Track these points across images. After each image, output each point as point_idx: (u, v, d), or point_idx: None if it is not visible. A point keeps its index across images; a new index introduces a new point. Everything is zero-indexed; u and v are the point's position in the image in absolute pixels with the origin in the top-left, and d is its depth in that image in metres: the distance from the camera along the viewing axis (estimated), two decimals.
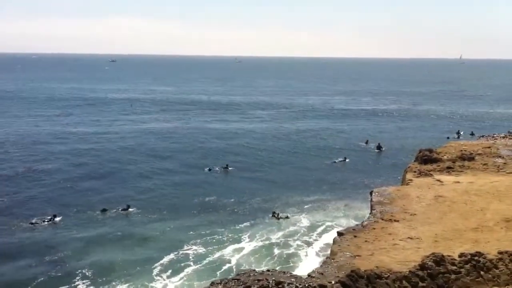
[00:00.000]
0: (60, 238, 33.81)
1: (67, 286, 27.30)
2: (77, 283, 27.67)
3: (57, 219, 36.62)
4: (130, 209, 39.55)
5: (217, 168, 53.03)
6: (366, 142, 68.24)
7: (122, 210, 39.36)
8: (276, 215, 38.45)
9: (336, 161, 58.22)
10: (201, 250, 32.13)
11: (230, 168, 52.90)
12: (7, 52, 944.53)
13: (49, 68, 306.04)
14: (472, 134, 71.85)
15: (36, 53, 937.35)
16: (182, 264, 30.07)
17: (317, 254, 31.71)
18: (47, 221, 36.20)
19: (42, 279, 28.14)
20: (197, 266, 29.82)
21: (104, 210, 39.09)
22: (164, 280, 28.18)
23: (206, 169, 53.06)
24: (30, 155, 57.94)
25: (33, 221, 36.24)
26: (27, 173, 50.09)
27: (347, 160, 58.06)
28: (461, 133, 74.18)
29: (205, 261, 30.53)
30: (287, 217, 38.16)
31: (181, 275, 28.79)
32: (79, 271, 28.90)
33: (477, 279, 16.05)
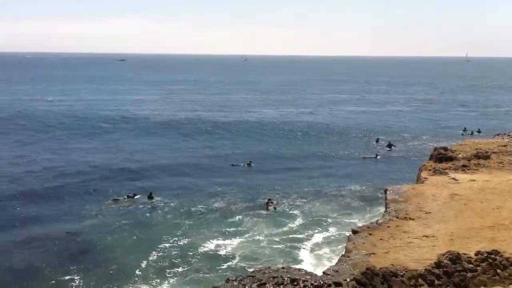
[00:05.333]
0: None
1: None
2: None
3: (136, 197, 41.59)
4: (154, 198, 41.31)
5: (240, 164, 53.82)
6: (377, 141, 67.81)
7: (148, 198, 41.45)
8: (272, 203, 38.69)
9: (366, 156, 58.45)
10: (200, 242, 32.21)
11: (253, 165, 53.67)
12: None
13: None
14: (479, 131, 71.22)
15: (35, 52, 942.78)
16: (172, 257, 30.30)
17: (320, 250, 31.41)
18: (127, 198, 41.52)
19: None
20: (194, 260, 29.81)
21: (130, 197, 41.79)
22: (171, 274, 28.16)
23: (230, 164, 54.17)
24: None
25: (116, 197, 41.65)
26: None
27: (378, 157, 58.12)
28: (468, 131, 73.33)
29: (204, 254, 30.65)
30: (275, 208, 38.29)
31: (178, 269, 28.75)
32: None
33: (493, 277, 15.92)
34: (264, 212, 37.78)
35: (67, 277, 27.52)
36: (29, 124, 79.12)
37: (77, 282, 26.98)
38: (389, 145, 64.21)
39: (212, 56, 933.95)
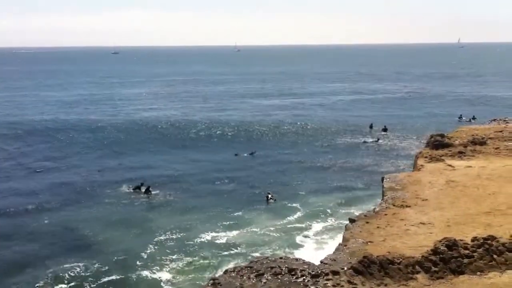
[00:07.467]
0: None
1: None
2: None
3: (143, 188, 41.80)
4: (151, 192, 41.26)
5: (243, 154, 54.03)
6: (371, 126, 67.65)
7: (144, 191, 41.51)
8: (272, 197, 38.93)
9: (367, 141, 59.04)
10: (199, 234, 32.66)
11: (256, 154, 54.03)
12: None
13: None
14: (474, 118, 71.12)
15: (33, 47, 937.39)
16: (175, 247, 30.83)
17: (319, 240, 31.63)
18: (135, 190, 41.90)
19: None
20: (193, 251, 30.31)
21: (138, 187, 42.26)
22: (171, 265, 28.46)
23: (233, 154, 54.81)
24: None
25: (123, 188, 42.69)
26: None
27: (379, 141, 58.64)
28: (464, 118, 73.15)
29: (203, 245, 31.11)
30: (275, 200, 38.46)
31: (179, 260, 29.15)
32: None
33: (490, 263, 15.98)
34: (264, 205, 37.94)
35: (67, 265, 28.08)
36: (27, 117, 78.97)
37: (78, 271, 27.26)
38: (385, 129, 64.51)
39: (205, 47, 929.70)
